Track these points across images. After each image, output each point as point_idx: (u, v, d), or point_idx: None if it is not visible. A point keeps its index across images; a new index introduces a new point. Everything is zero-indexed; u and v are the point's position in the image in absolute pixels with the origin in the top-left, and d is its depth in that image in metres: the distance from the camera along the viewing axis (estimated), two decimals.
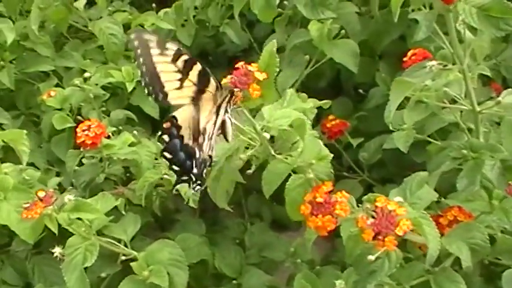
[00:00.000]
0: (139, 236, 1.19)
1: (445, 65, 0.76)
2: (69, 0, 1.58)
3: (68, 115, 1.38)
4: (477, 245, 0.82)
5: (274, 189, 0.90)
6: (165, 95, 0.76)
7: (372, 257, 0.72)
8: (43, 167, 1.41)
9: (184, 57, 0.76)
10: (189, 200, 1.14)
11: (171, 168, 0.78)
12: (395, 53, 1.47)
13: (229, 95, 0.76)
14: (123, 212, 1.13)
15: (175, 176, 0.79)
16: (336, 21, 1.25)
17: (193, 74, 0.77)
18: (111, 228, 1.10)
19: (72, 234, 1.01)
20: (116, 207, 1.12)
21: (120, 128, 1.34)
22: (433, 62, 0.76)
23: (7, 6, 1.63)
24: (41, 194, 0.93)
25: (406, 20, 1.36)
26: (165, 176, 1.13)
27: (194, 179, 0.79)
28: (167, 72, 0.75)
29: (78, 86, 1.38)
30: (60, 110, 1.40)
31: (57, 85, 1.51)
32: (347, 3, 1.30)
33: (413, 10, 1.32)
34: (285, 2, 1.27)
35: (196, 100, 0.77)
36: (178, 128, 0.76)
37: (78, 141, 1.12)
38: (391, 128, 0.96)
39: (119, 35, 1.56)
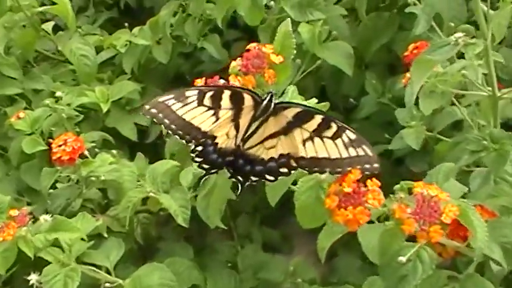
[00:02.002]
0: (121, 264, 1.09)
1: (473, 36, 0.69)
2: (37, 21, 1.49)
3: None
4: (510, 244, 0.74)
5: (280, 196, 0.82)
6: (204, 133, 0.73)
7: (403, 259, 0.63)
8: (12, 197, 1.29)
9: (209, 93, 0.74)
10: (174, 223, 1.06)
11: (200, 167, 0.74)
12: (382, 62, 1.42)
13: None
14: (105, 235, 1.02)
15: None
16: (324, 24, 1.18)
17: (225, 102, 0.74)
18: (92, 255, 1.00)
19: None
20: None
21: (97, 150, 1.24)
22: (459, 34, 0.69)
23: None
24: (14, 213, 0.82)
25: (395, 25, 1.33)
26: (151, 195, 1.03)
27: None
28: (198, 116, 0.73)
29: (49, 107, 1.28)
30: (30, 134, 1.29)
31: (25, 109, 1.41)
32: (334, 6, 1.24)
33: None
34: (272, 3, 1.20)
35: (236, 118, 0.74)
36: (214, 137, 0.73)
37: (54, 157, 1.01)
38: (402, 123, 0.87)
39: (91, 56, 1.48)
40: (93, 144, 1.23)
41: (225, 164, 0.73)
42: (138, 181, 1.15)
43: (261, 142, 0.71)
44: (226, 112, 0.73)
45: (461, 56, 0.88)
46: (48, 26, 1.51)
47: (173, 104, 0.72)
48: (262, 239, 1.37)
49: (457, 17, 1.04)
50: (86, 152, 1.10)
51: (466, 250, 0.76)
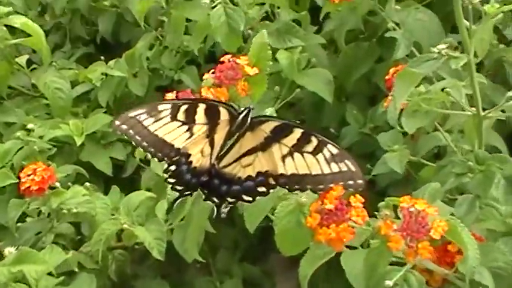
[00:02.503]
0: None
1: (456, 47, 0.67)
2: (10, 54, 1.46)
3: None
4: (501, 269, 0.70)
5: (258, 222, 0.78)
6: (177, 150, 0.70)
7: (389, 283, 0.59)
8: None
9: (184, 107, 0.70)
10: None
11: (173, 189, 0.71)
12: (362, 93, 1.41)
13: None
14: (76, 269, 0.97)
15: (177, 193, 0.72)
16: (303, 52, 1.16)
17: (200, 116, 0.71)
18: None
19: None
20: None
21: (70, 184, 1.20)
22: (442, 46, 0.67)
23: None
24: None
25: (374, 55, 1.31)
26: (125, 226, 0.99)
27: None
28: (171, 132, 0.70)
29: (21, 139, 1.23)
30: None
31: None
32: (313, 35, 1.22)
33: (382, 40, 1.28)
34: (249, 31, 1.18)
35: (211, 133, 0.71)
36: (188, 155, 0.70)
37: (22, 187, 0.96)
38: (385, 147, 0.85)
39: (66, 90, 1.44)
40: (66, 178, 1.19)
41: (199, 185, 0.69)
42: (113, 214, 1.11)
43: (238, 159, 0.68)
44: (201, 127, 0.70)
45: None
46: (22, 60, 1.48)
47: (145, 119, 0.69)
48: (242, 275, 1.33)
49: (435, 45, 1.03)
50: (58, 184, 1.05)
51: (454, 278, 0.72)
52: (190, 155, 0.69)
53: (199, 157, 0.69)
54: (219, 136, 0.69)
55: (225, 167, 0.68)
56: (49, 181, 0.97)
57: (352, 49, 1.29)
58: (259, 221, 0.77)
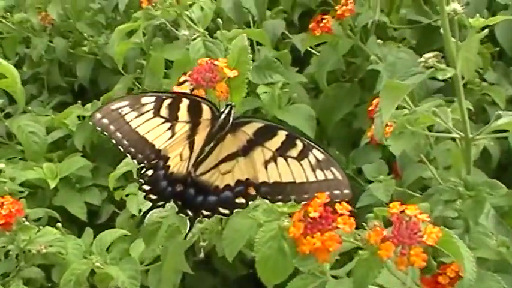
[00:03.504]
0: None
1: (443, 56, 0.65)
2: None
3: None
4: None
5: (238, 250, 0.74)
6: (157, 152, 0.65)
7: None
8: None
9: (167, 101, 0.66)
10: None
11: (147, 198, 0.65)
12: (344, 138, 1.38)
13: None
14: None
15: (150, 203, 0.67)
16: (284, 88, 1.14)
17: (183, 113, 0.66)
18: None
19: None
20: None
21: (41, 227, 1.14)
22: (429, 54, 0.64)
23: None
24: None
25: (356, 95, 1.30)
26: (97, 264, 0.93)
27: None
28: (153, 129, 0.65)
29: None
30: None
31: None
32: (294, 73, 1.21)
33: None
34: None
35: (193, 134, 0.66)
36: (166, 159, 0.65)
37: None
38: (370, 178, 0.82)
39: (41, 134, 1.41)
40: (37, 222, 1.14)
41: (173, 195, 0.64)
42: (85, 258, 1.05)
43: (216, 166, 0.63)
44: (183, 126, 0.65)
45: None
46: None
47: (127, 112, 0.64)
48: None
49: None
50: (27, 223, 1.00)
51: None
52: (169, 158, 0.64)
53: (178, 161, 0.65)
54: (200, 138, 0.65)
55: (202, 174, 0.64)
56: (17, 215, 0.92)
57: (334, 89, 1.27)
58: (239, 249, 0.73)
